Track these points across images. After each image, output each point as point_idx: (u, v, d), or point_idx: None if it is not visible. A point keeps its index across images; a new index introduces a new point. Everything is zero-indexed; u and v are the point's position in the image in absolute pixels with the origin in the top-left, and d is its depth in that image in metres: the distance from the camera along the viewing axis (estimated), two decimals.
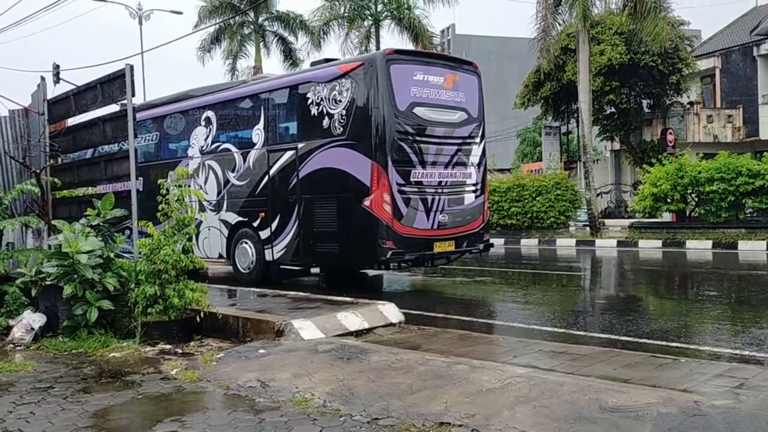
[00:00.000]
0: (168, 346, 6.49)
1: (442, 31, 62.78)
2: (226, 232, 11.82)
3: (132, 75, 7.68)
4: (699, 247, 17.06)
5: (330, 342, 6.25)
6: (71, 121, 9.42)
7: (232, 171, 11.67)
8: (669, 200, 19.39)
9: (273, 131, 11.18)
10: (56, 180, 9.08)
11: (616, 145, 32.17)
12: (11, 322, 7.15)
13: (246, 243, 11.42)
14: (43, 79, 9.58)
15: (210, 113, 12.22)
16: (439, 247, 10.16)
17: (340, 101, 9.91)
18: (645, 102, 29.84)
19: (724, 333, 7.10)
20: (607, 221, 25.13)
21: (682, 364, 5.38)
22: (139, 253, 7.08)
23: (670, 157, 20.64)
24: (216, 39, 31.13)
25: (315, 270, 11.10)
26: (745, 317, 7.90)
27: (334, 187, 10.01)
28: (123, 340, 6.68)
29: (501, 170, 36.58)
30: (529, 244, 20.84)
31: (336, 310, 7.21)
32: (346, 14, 27.73)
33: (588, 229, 21.50)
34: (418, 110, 9.88)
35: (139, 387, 5.11)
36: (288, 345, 6.21)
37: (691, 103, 29.50)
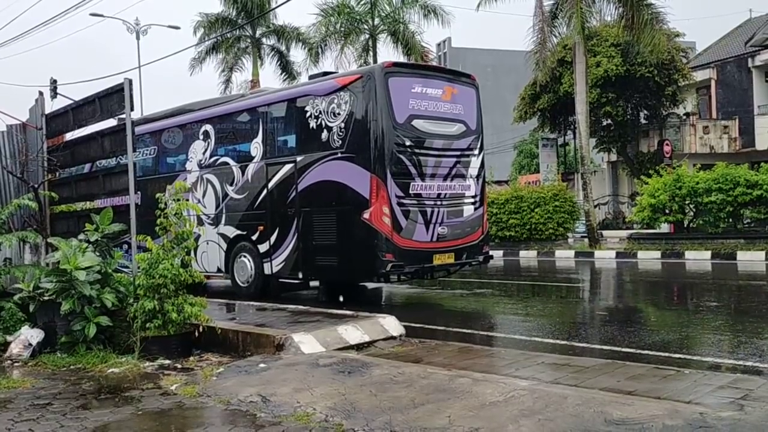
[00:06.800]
0: (167, 361, 6.44)
1: (439, 45, 63.08)
2: (224, 245, 11.77)
3: (130, 89, 7.67)
4: (698, 258, 17.06)
5: (331, 356, 6.21)
6: (69, 136, 9.43)
7: (231, 184, 11.65)
8: (667, 211, 19.41)
9: (271, 144, 11.18)
10: (54, 195, 9.05)
11: (613, 157, 32.26)
12: (9, 338, 7.09)
13: (245, 256, 11.38)
14: (41, 93, 9.57)
15: (208, 127, 12.21)
16: (438, 260, 10.13)
17: (339, 114, 9.91)
18: (641, 113, 30.00)
19: (727, 344, 7.08)
20: (605, 233, 25.16)
21: (685, 375, 5.34)
22: (138, 267, 7.03)
23: (668, 168, 20.68)
24: (213, 50, 31.17)
25: (314, 283, 11.06)
26: (746, 328, 7.86)
27: (333, 200, 10.00)
28: (122, 355, 6.63)
29: (499, 182, 36.63)
30: (528, 256, 20.82)
31: (336, 324, 7.16)
32: (341, 29, 27.87)
33: (586, 240, 21.49)
34: (416, 123, 9.88)
35: (138, 403, 5.05)
36: (288, 359, 6.17)
37: (687, 115, 29.63)
